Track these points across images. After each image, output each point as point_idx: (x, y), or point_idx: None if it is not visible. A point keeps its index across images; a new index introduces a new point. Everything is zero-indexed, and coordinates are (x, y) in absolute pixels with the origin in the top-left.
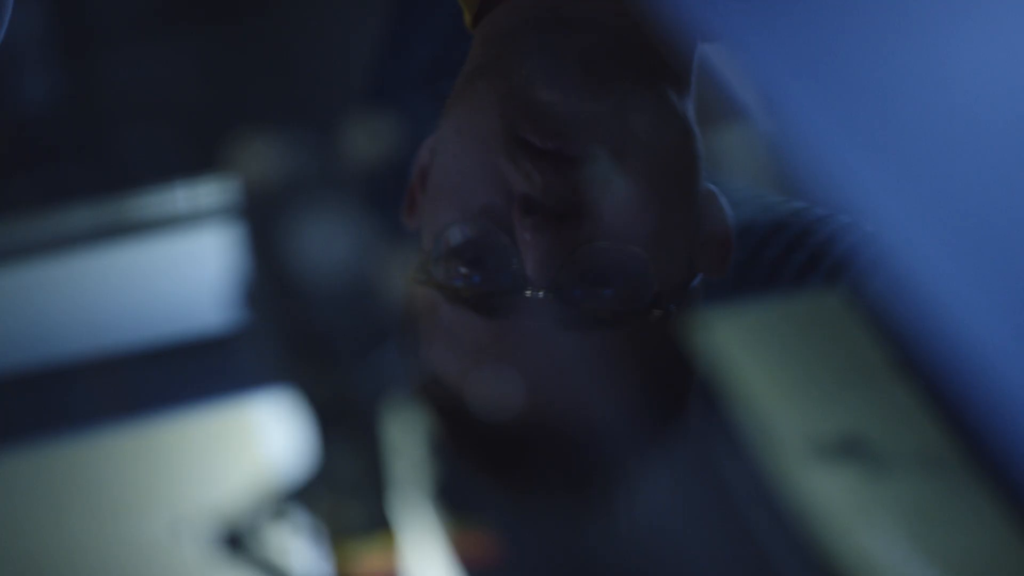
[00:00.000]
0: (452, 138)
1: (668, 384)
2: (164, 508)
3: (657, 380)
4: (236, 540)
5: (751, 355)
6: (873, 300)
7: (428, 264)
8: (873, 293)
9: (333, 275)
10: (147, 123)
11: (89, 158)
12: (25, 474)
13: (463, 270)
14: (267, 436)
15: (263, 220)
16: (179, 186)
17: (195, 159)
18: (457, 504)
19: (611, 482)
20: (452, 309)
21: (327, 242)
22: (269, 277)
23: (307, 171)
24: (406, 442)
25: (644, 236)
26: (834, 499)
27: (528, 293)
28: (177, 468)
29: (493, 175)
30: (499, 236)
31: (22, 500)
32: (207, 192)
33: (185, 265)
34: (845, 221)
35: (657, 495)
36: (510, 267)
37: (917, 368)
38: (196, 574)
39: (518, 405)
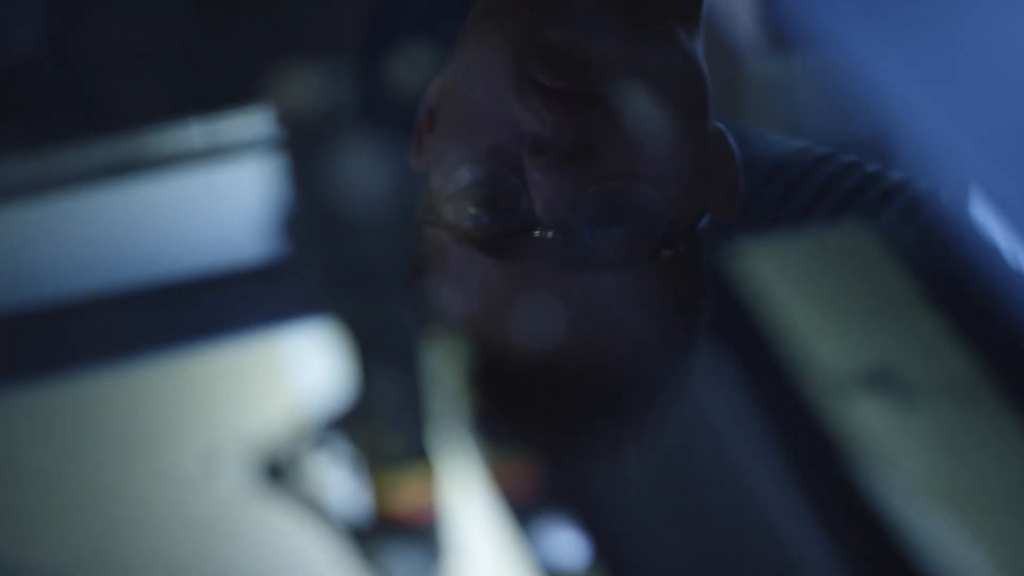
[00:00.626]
0: (461, 79)
1: (677, 324)
2: (199, 441)
3: (666, 320)
4: (276, 471)
5: (782, 289)
6: (900, 235)
7: (437, 205)
8: (900, 228)
9: (374, 205)
10: (188, 55)
11: (133, 90)
12: (58, 408)
13: (472, 211)
14: (305, 367)
15: (304, 151)
16: (219, 119)
17: (236, 91)
18: (495, 435)
19: (622, 419)
20: (461, 250)
21: (368, 172)
22: (310, 207)
23: (348, 101)
24: (445, 372)
25: (654, 175)
26: (865, 430)
27: (537, 234)
28: (213, 401)
29: (503, 115)
30: (509, 176)
31: (55, 434)
32: (246, 124)
33: (224, 197)
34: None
35: (672, 432)
36: (520, 207)
37: (945, 300)
38: (229, 507)
39: (527, 345)
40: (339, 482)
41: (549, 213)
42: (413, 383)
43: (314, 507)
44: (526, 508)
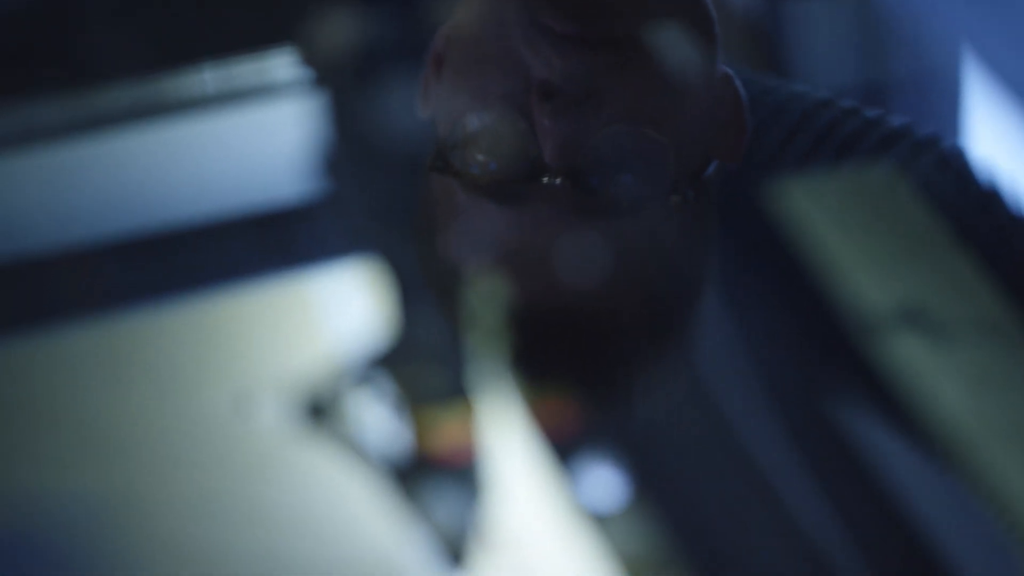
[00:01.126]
0: (468, 25)
1: (685, 270)
2: (237, 382)
3: (674, 266)
4: (316, 411)
5: (817, 227)
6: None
7: (445, 152)
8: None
9: (413, 141)
10: None
11: (168, 30)
12: (94, 350)
13: (480, 157)
14: (344, 307)
15: (338, 90)
16: (256, 58)
17: (277, 31)
18: (531, 374)
19: (631, 366)
20: (469, 197)
21: (404, 109)
22: (349, 146)
23: (386, 40)
24: (486, 311)
25: (663, 120)
26: (899, 367)
27: (546, 180)
28: (251, 341)
29: (511, 61)
30: (517, 122)
31: (91, 376)
32: (279, 65)
33: (262, 137)
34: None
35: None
36: (528, 154)
37: (975, 238)
38: (265, 448)
39: (537, 292)
40: (379, 422)
41: (558, 159)
42: (456, 321)
43: (354, 446)
44: (565, 446)
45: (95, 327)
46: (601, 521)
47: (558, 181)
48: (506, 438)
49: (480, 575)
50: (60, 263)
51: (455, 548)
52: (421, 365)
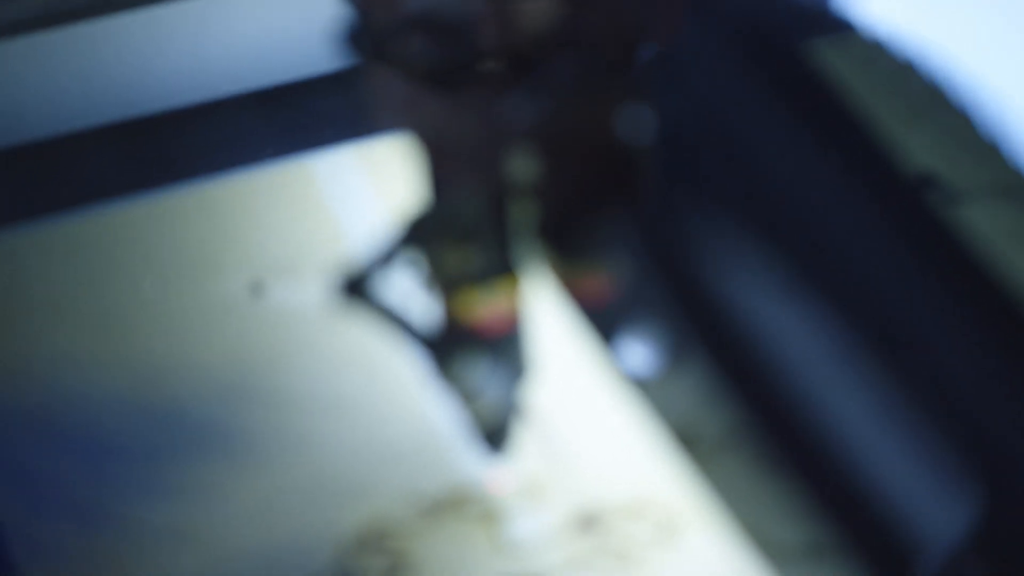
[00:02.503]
0: None
1: (623, 152)
2: (254, 263)
3: (612, 148)
4: (356, 286)
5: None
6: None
7: (383, 39)
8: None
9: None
10: None
11: None
12: (101, 236)
13: (420, 44)
14: (387, 180)
15: None
16: None
17: None
18: (571, 247)
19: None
20: (409, 85)
21: None
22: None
23: None
24: (524, 185)
25: (601, 4)
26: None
27: (485, 65)
28: (264, 222)
29: None
30: (456, 7)
31: (100, 262)
32: None
33: (288, 9)
34: None
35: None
36: (468, 39)
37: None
38: (284, 332)
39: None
40: (416, 295)
41: (497, 44)
42: (495, 195)
43: (390, 322)
44: (602, 315)
45: (103, 215)
46: (645, 388)
47: (497, 66)
48: (542, 309)
49: (519, 451)
50: (62, 149)
51: (493, 425)
52: (459, 240)
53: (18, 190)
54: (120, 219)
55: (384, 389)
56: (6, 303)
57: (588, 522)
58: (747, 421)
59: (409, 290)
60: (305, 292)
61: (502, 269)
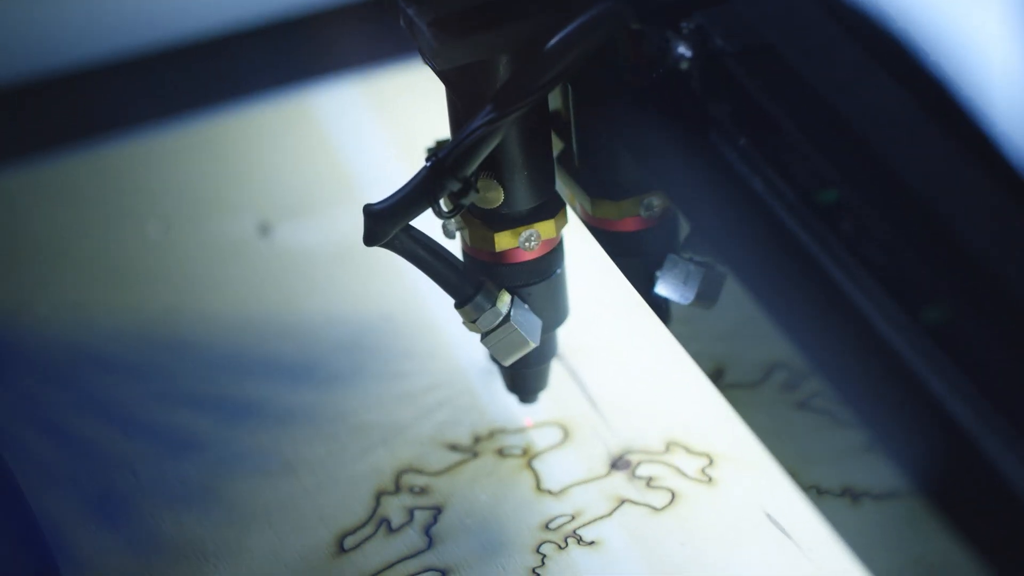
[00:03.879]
0: None
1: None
2: (258, 199)
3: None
4: (382, 221)
5: None
6: None
7: None
8: None
9: None
10: None
11: None
12: (109, 171)
13: None
14: (394, 115)
15: None
16: None
17: None
18: (606, 178)
19: None
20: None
21: None
22: None
23: None
24: (558, 114)
25: None
26: None
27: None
28: (265, 158)
29: None
30: None
31: (106, 198)
32: None
33: None
34: None
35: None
36: None
37: None
38: (293, 272)
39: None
40: (445, 230)
41: None
42: (521, 125)
43: (419, 257)
44: (637, 250)
45: (102, 154)
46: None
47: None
48: (576, 244)
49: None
50: (58, 87)
51: (525, 364)
52: (486, 170)
53: (16, 128)
54: (120, 159)
55: (406, 330)
56: (5, 245)
57: (624, 462)
58: (785, 357)
59: (438, 225)
60: (315, 232)
61: (535, 201)
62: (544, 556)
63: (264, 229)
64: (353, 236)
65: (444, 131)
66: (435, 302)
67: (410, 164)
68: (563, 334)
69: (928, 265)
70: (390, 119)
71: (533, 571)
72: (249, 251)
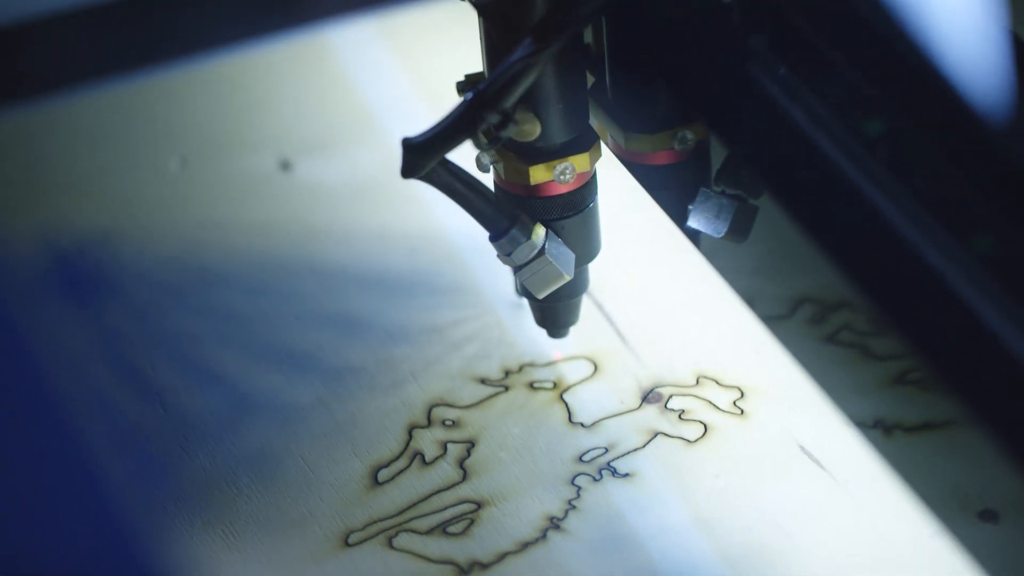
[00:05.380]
0: None
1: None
2: (278, 137)
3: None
4: (417, 155)
5: None
6: None
7: None
8: None
9: None
10: None
11: None
12: (128, 108)
13: None
14: (412, 53)
15: None
16: None
17: None
18: (639, 111)
19: None
20: None
21: None
22: None
23: None
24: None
25: None
26: None
27: None
28: (298, 93)
29: None
30: None
31: (127, 135)
32: None
33: None
34: None
35: None
36: None
37: None
38: (315, 208)
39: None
40: (478, 164)
41: None
42: (556, 59)
43: (453, 191)
44: (669, 183)
45: (119, 91)
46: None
47: None
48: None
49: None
50: (83, 19)
51: (557, 298)
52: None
53: (35, 65)
54: (139, 95)
55: (431, 265)
56: (28, 181)
57: (655, 395)
58: (816, 290)
59: (471, 159)
60: (336, 168)
61: (570, 135)
62: (579, 488)
63: (285, 165)
64: (374, 172)
65: (460, 69)
66: (459, 237)
67: (427, 102)
68: (590, 269)
69: (979, 192)
70: (407, 57)
71: (569, 503)
72: (271, 187)
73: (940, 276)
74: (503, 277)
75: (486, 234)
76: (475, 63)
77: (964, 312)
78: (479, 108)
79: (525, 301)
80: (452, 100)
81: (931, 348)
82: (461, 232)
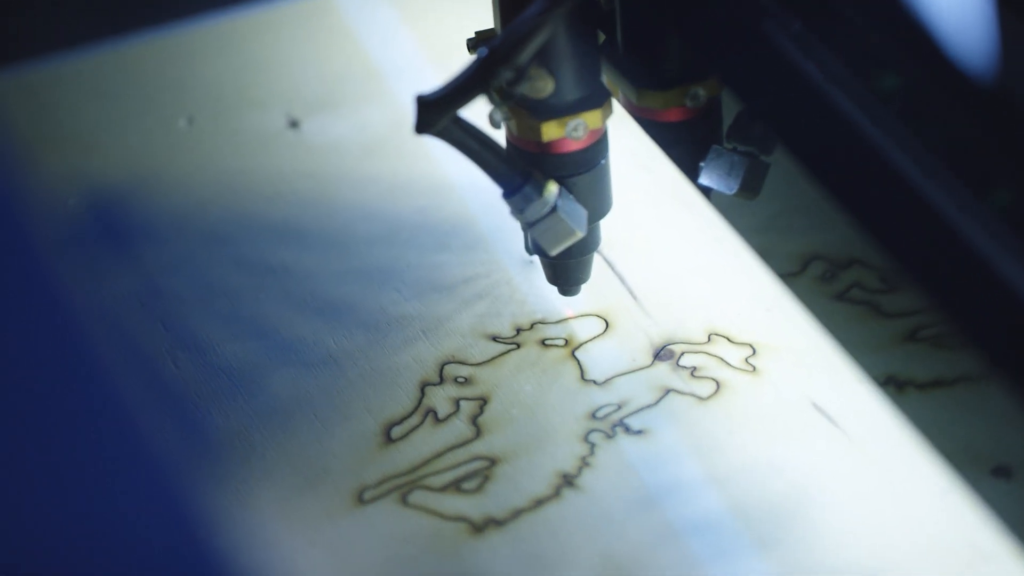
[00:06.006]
0: None
1: None
2: (286, 95)
3: None
4: (431, 112)
5: None
6: None
7: None
8: None
9: None
10: None
11: None
12: (136, 65)
13: None
14: (416, 12)
15: None
16: None
17: None
18: (652, 69)
19: None
20: None
21: None
22: None
23: None
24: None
25: None
26: None
27: None
28: (305, 51)
29: None
30: None
31: (134, 92)
32: None
33: None
34: None
35: None
36: None
37: None
38: (324, 165)
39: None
40: (491, 122)
41: None
42: (568, 17)
43: (467, 148)
44: (681, 140)
45: (127, 48)
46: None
47: None
48: (621, 135)
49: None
50: None
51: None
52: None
53: (44, 24)
54: (145, 53)
55: (440, 223)
56: (37, 138)
57: (667, 352)
58: (827, 247)
59: (485, 116)
60: (344, 126)
61: (583, 91)
62: (593, 445)
63: (294, 123)
64: (383, 130)
65: (467, 25)
66: (469, 195)
67: (434, 61)
68: (601, 227)
69: (994, 144)
70: (414, 16)
71: (583, 459)
72: (280, 144)
73: (956, 229)
74: (511, 234)
75: (496, 192)
76: (482, 21)
77: (981, 265)
78: (493, 64)
79: (535, 259)
80: (460, 57)
81: (948, 301)
82: (471, 190)
